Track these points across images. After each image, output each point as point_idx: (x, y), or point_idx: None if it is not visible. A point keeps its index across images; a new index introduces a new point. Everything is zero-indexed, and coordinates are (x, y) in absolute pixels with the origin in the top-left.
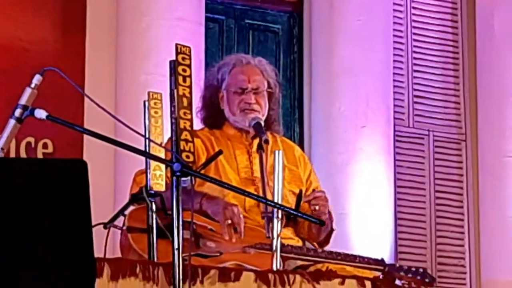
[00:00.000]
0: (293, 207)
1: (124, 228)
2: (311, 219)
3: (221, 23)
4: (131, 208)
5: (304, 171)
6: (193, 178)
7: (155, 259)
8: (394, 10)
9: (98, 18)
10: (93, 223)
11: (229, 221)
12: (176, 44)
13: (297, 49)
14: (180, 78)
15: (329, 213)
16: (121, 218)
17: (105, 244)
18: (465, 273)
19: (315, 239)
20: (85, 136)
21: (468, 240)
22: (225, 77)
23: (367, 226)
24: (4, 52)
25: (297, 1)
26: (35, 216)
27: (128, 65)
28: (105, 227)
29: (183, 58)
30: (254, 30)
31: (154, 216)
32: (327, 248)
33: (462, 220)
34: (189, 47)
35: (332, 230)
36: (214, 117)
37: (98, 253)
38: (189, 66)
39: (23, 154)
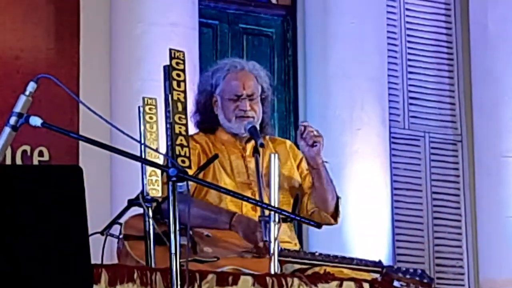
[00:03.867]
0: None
1: (121, 236)
2: (308, 222)
3: (215, 28)
4: (127, 216)
5: (295, 160)
6: (189, 183)
7: (153, 265)
8: (388, 12)
9: (91, 24)
10: (90, 230)
11: (261, 244)
12: (170, 49)
13: (291, 52)
14: (175, 83)
15: (330, 179)
16: (118, 226)
17: (102, 251)
18: (463, 274)
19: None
20: (81, 144)
21: (465, 240)
22: (219, 82)
23: (364, 228)
24: None
25: (290, 5)
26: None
27: (123, 71)
28: (102, 234)
29: (177, 63)
30: (248, 35)
31: (151, 221)
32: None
33: (460, 221)
34: (183, 52)
35: (338, 197)
36: (207, 121)
37: (95, 260)
38: (183, 71)
39: (19, 162)
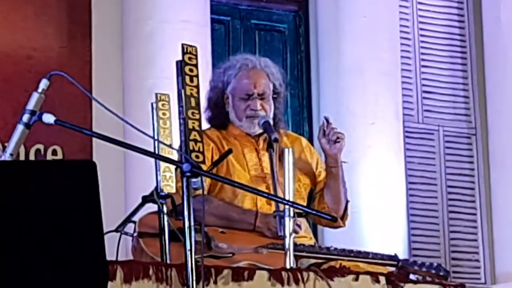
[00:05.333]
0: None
1: (135, 234)
2: (323, 215)
3: (226, 24)
4: (142, 214)
5: (312, 159)
6: (203, 179)
7: (168, 261)
8: (400, 6)
9: (103, 22)
10: (104, 228)
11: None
12: (183, 44)
13: (303, 48)
14: (187, 78)
15: (344, 183)
16: (132, 225)
17: (117, 249)
18: (479, 267)
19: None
20: (94, 142)
21: (481, 234)
22: (231, 80)
23: (380, 223)
24: (6, 59)
25: (302, 0)
26: (45, 218)
27: (135, 69)
28: (116, 232)
29: (190, 58)
30: (260, 30)
31: (166, 218)
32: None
33: (475, 214)
34: (195, 47)
35: (347, 201)
36: (219, 118)
37: (110, 258)
38: (196, 66)
39: None
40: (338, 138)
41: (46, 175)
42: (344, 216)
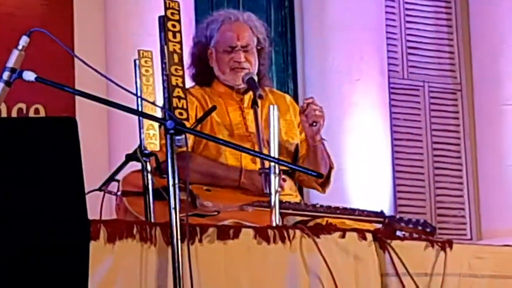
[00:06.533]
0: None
1: (119, 193)
2: (309, 172)
3: None
4: (126, 172)
5: (295, 117)
6: (187, 136)
7: (153, 220)
8: None
9: None
10: (88, 187)
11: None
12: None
13: (287, 4)
14: (170, 34)
15: (327, 151)
16: (116, 183)
17: (100, 207)
18: (465, 223)
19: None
20: (77, 100)
21: (467, 190)
22: (214, 34)
23: (365, 180)
24: None
25: None
26: (24, 177)
27: (117, 26)
28: (99, 190)
29: (172, 13)
30: None
31: (149, 176)
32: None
33: (461, 170)
34: (177, 2)
35: (331, 168)
36: (203, 74)
37: (93, 217)
38: (179, 21)
39: None
40: (314, 121)
41: (26, 131)
42: (325, 184)
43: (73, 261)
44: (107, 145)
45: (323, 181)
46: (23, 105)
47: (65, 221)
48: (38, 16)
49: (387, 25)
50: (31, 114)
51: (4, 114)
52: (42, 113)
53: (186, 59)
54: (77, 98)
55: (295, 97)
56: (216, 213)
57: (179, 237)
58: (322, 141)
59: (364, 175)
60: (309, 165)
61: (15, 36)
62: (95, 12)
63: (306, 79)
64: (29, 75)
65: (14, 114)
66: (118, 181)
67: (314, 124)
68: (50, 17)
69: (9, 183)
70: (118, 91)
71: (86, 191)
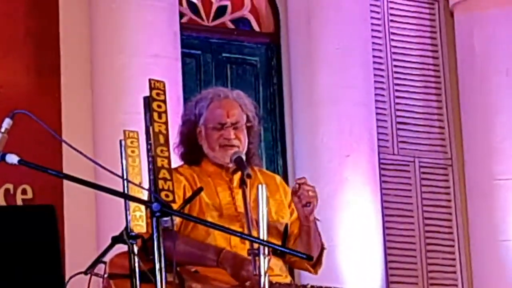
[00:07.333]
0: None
1: (106, 275)
2: (298, 254)
3: (198, 58)
4: (112, 254)
5: (286, 198)
6: (173, 218)
7: None
8: (373, 36)
9: (72, 58)
10: (76, 268)
11: (248, 283)
12: (150, 80)
13: (276, 80)
14: (156, 115)
15: (318, 231)
16: (103, 266)
17: None
18: None
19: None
20: (65, 181)
21: (459, 265)
22: (203, 112)
23: (356, 257)
24: None
25: (274, 32)
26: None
27: (105, 105)
28: (85, 274)
29: (158, 94)
30: (232, 64)
31: (136, 259)
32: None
33: (453, 246)
34: (163, 82)
35: (323, 248)
36: (192, 153)
37: None
38: (164, 101)
39: (1, 201)
40: (308, 202)
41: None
42: (317, 264)
43: None
44: (94, 226)
45: (315, 262)
46: (10, 186)
47: None
48: (24, 94)
49: (376, 100)
50: (19, 194)
51: None
52: (30, 194)
53: (174, 138)
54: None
55: (285, 174)
56: None
57: None
58: (315, 220)
59: (356, 252)
60: (301, 245)
61: (0, 116)
62: (82, 92)
63: (295, 155)
64: (12, 158)
65: (1, 194)
66: (105, 263)
67: (308, 204)
68: (37, 97)
69: None
70: (105, 172)
71: (72, 273)
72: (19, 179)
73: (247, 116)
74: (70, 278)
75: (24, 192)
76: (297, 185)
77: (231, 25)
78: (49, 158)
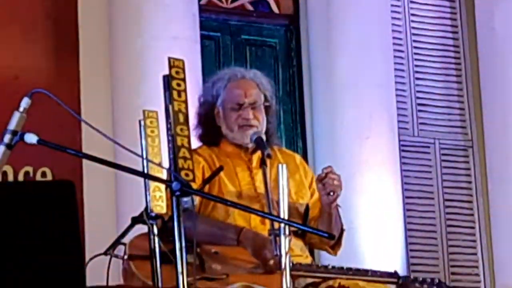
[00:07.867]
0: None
1: (126, 256)
2: (320, 233)
3: (217, 40)
4: (132, 235)
5: (306, 178)
6: (194, 197)
7: (160, 284)
8: (393, 18)
9: (91, 41)
10: (96, 249)
11: (271, 261)
12: (169, 58)
13: (295, 62)
14: (175, 93)
15: (339, 214)
16: (123, 247)
17: (107, 271)
18: (479, 281)
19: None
20: (84, 162)
21: (480, 247)
22: (220, 92)
23: (377, 239)
24: None
25: (293, 13)
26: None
27: (124, 87)
28: (105, 254)
29: (177, 72)
30: (251, 46)
31: (156, 239)
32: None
33: (474, 227)
34: (182, 60)
35: (342, 229)
36: (210, 134)
37: (100, 281)
38: (184, 79)
39: None
40: (332, 191)
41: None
42: (336, 246)
43: None
44: (114, 207)
45: (334, 243)
46: (30, 168)
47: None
48: (43, 78)
49: (396, 82)
50: (38, 177)
51: (11, 178)
52: (49, 176)
53: (192, 120)
54: (84, 159)
55: (305, 156)
56: (224, 276)
57: None
58: (336, 207)
59: (376, 234)
60: (321, 228)
61: (20, 99)
62: (101, 74)
63: (315, 137)
64: (31, 138)
65: (21, 177)
66: (124, 244)
67: (331, 193)
68: (56, 79)
69: (6, 248)
70: (125, 152)
71: (92, 254)
72: (38, 162)
73: (265, 96)
74: (90, 259)
75: (43, 174)
76: (323, 173)
77: (250, 7)
78: (68, 139)
